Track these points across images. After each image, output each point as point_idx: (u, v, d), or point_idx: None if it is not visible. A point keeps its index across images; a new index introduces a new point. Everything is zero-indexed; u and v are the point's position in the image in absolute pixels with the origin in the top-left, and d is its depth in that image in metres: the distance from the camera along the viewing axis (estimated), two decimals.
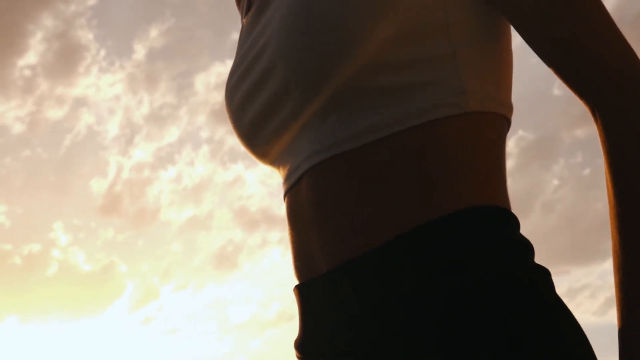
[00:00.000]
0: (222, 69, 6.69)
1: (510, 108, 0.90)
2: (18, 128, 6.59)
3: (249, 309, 7.02)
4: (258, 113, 0.93)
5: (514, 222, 0.83)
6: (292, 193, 0.91)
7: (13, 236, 6.74)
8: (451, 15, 0.84)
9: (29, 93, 6.57)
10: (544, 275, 0.80)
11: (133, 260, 6.97)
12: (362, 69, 0.81)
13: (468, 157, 0.83)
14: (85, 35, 6.59)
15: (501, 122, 0.88)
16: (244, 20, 1.03)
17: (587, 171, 6.73)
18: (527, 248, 0.81)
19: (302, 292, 0.91)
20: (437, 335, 0.75)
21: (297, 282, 0.94)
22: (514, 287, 0.76)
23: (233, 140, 6.79)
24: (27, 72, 6.51)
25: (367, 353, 0.80)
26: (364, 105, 0.83)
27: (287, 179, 0.93)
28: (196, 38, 6.98)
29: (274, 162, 0.97)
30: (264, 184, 6.92)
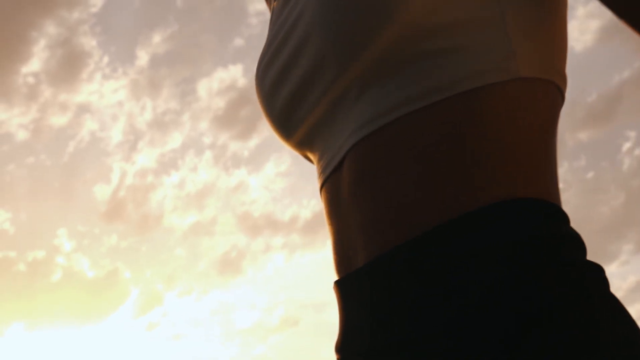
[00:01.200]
0: (225, 74, 6.70)
1: (564, 78, 0.82)
2: (22, 135, 6.61)
3: (252, 315, 7.02)
4: (293, 91, 0.87)
5: (563, 218, 0.75)
6: (333, 178, 0.85)
7: (17, 243, 6.75)
8: None
9: (33, 100, 6.59)
10: (595, 271, 0.72)
11: (137, 266, 6.97)
12: (403, 33, 0.75)
13: (520, 132, 0.76)
14: (89, 42, 6.61)
15: (555, 92, 0.80)
16: (274, 3, 0.99)
17: (590, 174, 6.73)
18: (576, 243, 0.74)
19: (342, 288, 0.84)
20: (475, 333, 0.69)
21: (336, 277, 0.87)
22: (557, 282, 0.69)
23: (236, 146, 6.80)
24: (30, 80, 6.53)
25: (403, 353, 0.74)
26: (405, 73, 0.77)
27: (328, 164, 0.86)
28: (199, 44, 6.99)
29: (311, 147, 0.90)
30: (267, 189, 6.93)
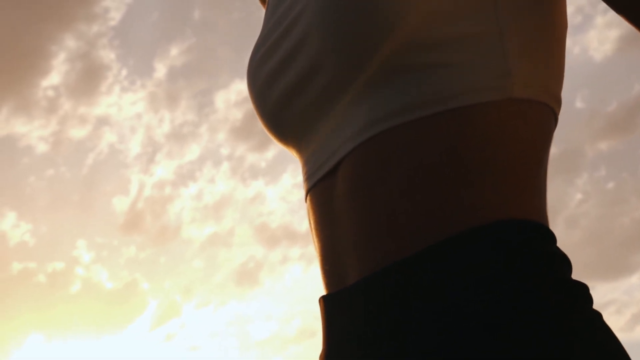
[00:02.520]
0: (242, 86, 6.71)
1: (559, 102, 0.81)
2: (42, 148, 6.65)
3: (270, 326, 7.01)
4: (286, 90, 0.85)
5: (550, 239, 0.76)
6: (324, 184, 0.83)
7: (37, 254, 6.79)
8: None
9: (53, 113, 6.63)
10: (583, 289, 0.74)
11: (155, 277, 6.99)
12: (402, 44, 0.75)
13: (510, 152, 0.75)
14: (107, 55, 6.65)
15: (548, 115, 0.80)
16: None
17: (611, 185, 6.68)
18: (565, 261, 0.75)
19: (332, 303, 0.82)
20: (473, 347, 0.68)
21: (324, 291, 0.85)
22: (542, 304, 0.70)
23: (253, 157, 6.81)
24: (50, 93, 6.58)
25: None
26: (401, 83, 0.76)
27: (319, 169, 0.84)
28: (216, 56, 7.02)
29: (300, 147, 0.88)
30: (285, 200, 6.93)
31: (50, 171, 6.89)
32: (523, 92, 0.77)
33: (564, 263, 0.74)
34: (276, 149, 6.81)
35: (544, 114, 0.79)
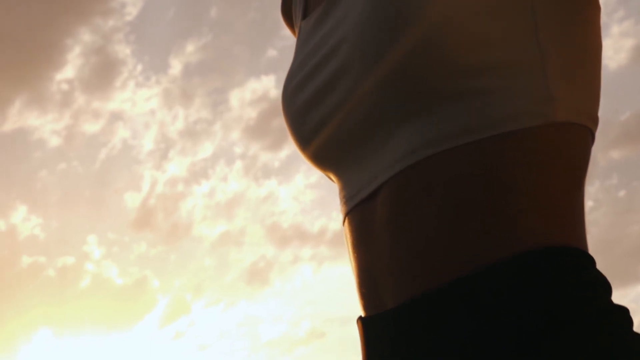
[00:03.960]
0: (258, 85, 6.72)
1: (597, 122, 0.81)
2: (54, 141, 6.67)
3: (279, 327, 7.01)
4: (325, 116, 0.86)
5: (590, 264, 0.75)
6: (362, 208, 0.83)
7: (48, 249, 6.80)
8: (540, 14, 0.77)
9: (66, 107, 6.65)
10: (620, 314, 0.73)
11: (165, 275, 7.00)
12: (443, 72, 0.75)
13: (551, 177, 0.75)
14: (123, 50, 6.66)
15: (588, 137, 0.80)
16: (303, 23, 0.97)
17: (622, 193, 6.65)
18: (606, 287, 0.75)
19: (368, 327, 0.82)
20: None
21: (362, 312, 0.85)
22: (583, 332, 0.70)
23: (266, 156, 6.81)
24: (64, 86, 6.59)
25: None
26: (442, 111, 0.76)
27: (357, 192, 0.84)
28: (232, 54, 7.02)
29: (338, 172, 0.89)
30: (297, 200, 6.93)
31: (62, 165, 6.90)
32: (565, 116, 0.76)
33: (605, 287, 0.74)
34: (290, 148, 6.81)
35: (583, 136, 0.79)
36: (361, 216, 0.84)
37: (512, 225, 0.73)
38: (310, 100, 0.88)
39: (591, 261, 0.75)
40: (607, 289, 0.75)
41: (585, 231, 0.78)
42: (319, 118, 0.87)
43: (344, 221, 0.88)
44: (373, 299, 0.82)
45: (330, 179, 0.93)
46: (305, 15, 1.00)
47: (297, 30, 1.02)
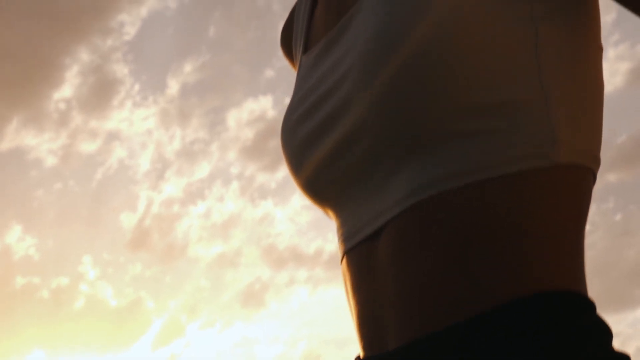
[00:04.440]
0: (255, 105, 6.73)
1: (599, 163, 0.81)
2: (51, 161, 6.66)
3: (275, 349, 6.97)
4: (326, 152, 0.85)
5: (591, 310, 0.75)
6: (364, 247, 0.82)
7: (42, 269, 6.78)
8: (544, 55, 0.77)
9: (63, 126, 6.65)
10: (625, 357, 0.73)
11: (160, 296, 6.97)
12: (447, 109, 0.74)
13: (554, 219, 0.75)
14: (121, 70, 6.67)
15: (590, 178, 0.79)
16: (303, 57, 0.97)
17: (618, 217, 6.66)
18: (606, 331, 0.74)
19: None
20: None
21: (360, 352, 0.85)
22: None
23: (263, 177, 6.81)
24: (62, 105, 6.59)
25: None
26: (446, 150, 0.75)
27: (358, 231, 0.83)
28: (230, 74, 7.04)
29: (337, 209, 0.88)
30: (293, 222, 6.92)
31: (59, 185, 6.89)
32: (568, 158, 0.76)
33: (606, 333, 0.74)
34: (286, 170, 6.81)
35: (586, 178, 0.79)
36: (362, 255, 0.83)
37: (513, 268, 0.72)
38: (311, 135, 0.87)
39: (592, 306, 0.74)
40: (608, 334, 0.74)
41: (584, 273, 0.78)
42: (319, 153, 0.86)
43: (342, 259, 0.88)
44: (374, 340, 0.81)
45: (328, 215, 0.92)
46: (306, 50, 1.00)
47: (297, 64, 1.02)
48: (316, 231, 7.06)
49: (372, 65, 0.78)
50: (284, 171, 6.86)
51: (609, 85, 6.19)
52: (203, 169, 6.81)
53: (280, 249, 6.86)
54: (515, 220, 0.73)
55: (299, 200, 6.90)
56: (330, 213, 0.91)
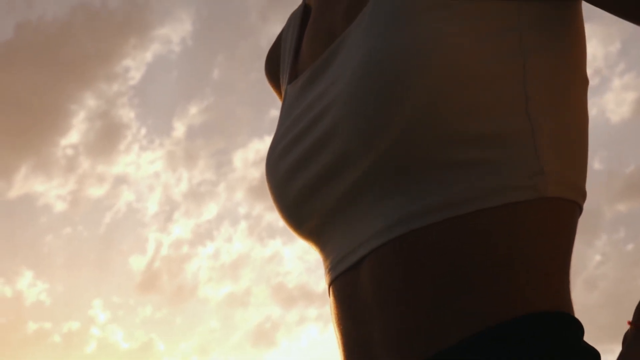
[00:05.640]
0: (261, 145, 6.75)
1: (584, 196, 0.81)
2: (60, 206, 6.69)
3: None
4: (309, 182, 0.84)
5: (579, 330, 0.76)
6: (346, 278, 0.81)
7: (53, 314, 6.77)
8: (531, 87, 0.76)
9: (71, 172, 6.68)
10: None
11: (171, 338, 6.94)
12: (431, 140, 0.73)
13: (541, 249, 0.75)
14: (127, 114, 6.72)
15: (576, 212, 0.79)
16: (289, 87, 0.96)
17: (630, 247, 6.62)
18: (594, 354, 0.75)
19: None
20: None
21: None
22: None
23: (271, 216, 6.81)
24: (69, 151, 6.64)
25: None
26: (431, 181, 0.75)
27: (340, 261, 0.82)
28: (235, 115, 7.08)
29: (321, 240, 0.87)
30: (302, 260, 6.90)
31: (68, 230, 6.91)
32: (555, 191, 0.76)
33: (592, 355, 0.74)
34: None
35: (572, 211, 0.79)
36: (346, 286, 0.82)
37: (501, 295, 0.73)
38: (294, 166, 0.86)
39: (580, 328, 0.75)
40: (595, 356, 0.74)
41: (570, 295, 0.78)
42: (302, 184, 0.85)
43: (328, 291, 0.87)
44: None
45: (312, 247, 0.91)
46: (291, 79, 0.98)
47: (282, 93, 1.01)
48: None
49: (358, 97, 0.77)
50: None
51: (616, 115, 6.21)
52: (211, 210, 6.83)
53: (290, 287, 6.84)
54: (499, 252, 0.73)
55: None
56: (314, 245, 0.89)
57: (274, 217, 6.89)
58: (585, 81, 0.83)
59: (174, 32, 6.82)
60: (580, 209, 0.81)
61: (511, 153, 0.75)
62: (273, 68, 1.09)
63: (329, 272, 0.86)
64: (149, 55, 6.77)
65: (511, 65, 0.76)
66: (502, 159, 0.74)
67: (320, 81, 0.87)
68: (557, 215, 0.77)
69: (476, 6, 0.76)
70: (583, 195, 0.81)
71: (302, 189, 0.85)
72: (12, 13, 7.00)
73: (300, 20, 1.03)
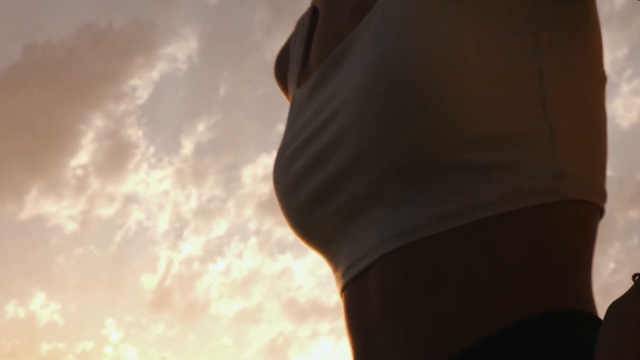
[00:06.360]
0: (269, 161, 6.75)
1: (605, 198, 0.79)
2: (70, 227, 6.70)
3: None
4: (317, 189, 0.82)
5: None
6: (355, 286, 0.79)
7: (66, 334, 6.77)
8: (549, 87, 0.74)
9: (81, 192, 6.70)
10: None
11: (184, 355, 6.92)
12: (446, 144, 0.71)
13: (563, 253, 0.72)
14: (135, 133, 6.74)
15: (597, 213, 0.77)
16: (297, 91, 0.93)
17: None
18: None
19: None
20: None
21: None
22: None
23: (281, 231, 6.80)
24: (79, 172, 6.65)
25: None
26: (445, 186, 0.72)
27: (348, 269, 0.80)
28: (243, 131, 7.09)
29: (329, 248, 0.85)
30: (313, 274, 6.89)
31: (79, 250, 6.92)
32: (575, 193, 0.73)
33: None
34: None
35: (593, 213, 0.76)
36: (354, 294, 0.80)
37: (517, 301, 0.70)
38: (302, 172, 0.84)
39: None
40: None
41: (592, 295, 0.76)
42: (310, 192, 0.83)
43: (341, 297, 0.85)
44: None
45: (321, 256, 0.89)
46: (300, 83, 0.96)
47: (290, 97, 0.99)
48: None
49: (367, 100, 0.75)
50: None
51: (625, 120, 6.19)
52: (221, 227, 6.83)
53: (302, 302, 6.83)
54: (522, 257, 0.71)
55: None
56: (322, 253, 0.88)
57: (284, 232, 6.88)
58: (603, 79, 0.81)
59: (179, 50, 6.84)
60: (601, 211, 0.79)
61: (529, 155, 0.72)
62: (282, 71, 1.07)
63: (339, 280, 0.84)
64: (155, 74, 6.80)
65: (527, 64, 0.74)
66: (520, 162, 0.72)
67: (328, 85, 0.85)
68: (578, 217, 0.74)
69: (490, 4, 0.74)
70: (604, 197, 0.78)
71: (310, 197, 0.83)
72: (19, 36, 7.04)
73: (309, 22, 1.01)
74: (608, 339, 0.62)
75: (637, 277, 0.67)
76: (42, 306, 6.73)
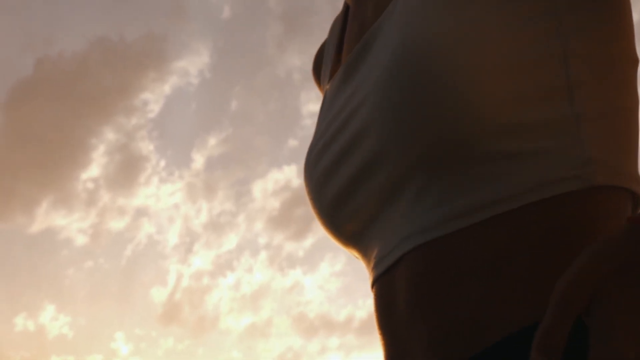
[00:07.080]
0: (280, 175, 6.77)
1: (639, 181, 0.75)
2: (81, 240, 6.72)
3: None
4: (345, 183, 0.81)
5: None
6: (384, 280, 0.78)
7: (76, 347, 6.77)
8: (574, 72, 0.72)
9: (92, 205, 6.72)
10: None
11: None
12: (471, 133, 0.70)
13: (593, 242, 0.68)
14: (146, 147, 6.77)
15: (629, 200, 0.74)
16: (327, 87, 0.93)
17: None
18: None
19: None
20: None
21: None
22: None
23: (291, 246, 6.81)
24: (90, 185, 6.68)
25: None
26: (470, 177, 0.71)
27: (376, 265, 0.80)
28: (253, 146, 7.11)
29: (361, 243, 0.84)
30: (322, 289, 6.88)
31: (89, 263, 6.94)
32: (604, 179, 0.71)
33: None
34: (314, 237, 6.81)
35: (625, 199, 0.74)
36: (384, 289, 0.79)
37: (543, 300, 0.66)
38: (328, 169, 0.84)
39: None
40: None
41: None
42: (337, 188, 0.83)
43: (372, 290, 0.83)
44: None
45: (353, 254, 0.88)
46: (330, 80, 0.95)
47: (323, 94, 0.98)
48: (346, 298, 7.02)
49: (391, 91, 0.74)
50: (311, 239, 6.86)
51: None
52: (231, 241, 6.84)
53: (311, 317, 6.82)
54: (550, 249, 0.69)
55: (327, 267, 6.88)
56: (354, 249, 0.86)
57: (294, 247, 6.88)
58: (634, 61, 0.79)
59: (191, 65, 6.88)
60: (635, 196, 0.75)
61: (556, 143, 0.71)
62: (318, 69, 1.06)
63: (370, 274, 0.83)
64: (167, 88, 6.83)
65: (551, 49, 0.73)
66: (546, 150, 0.70)
67: (353, 79, 0.84)
68: (608, 204, 0.72)
69: None
70: (637, 181, 0.75)
71: (337, 193, 0.83)
72: (31, 49, 7.09)
73: (342, 19, 1.01)
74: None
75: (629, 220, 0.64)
76: (51, 319, 6.74)
